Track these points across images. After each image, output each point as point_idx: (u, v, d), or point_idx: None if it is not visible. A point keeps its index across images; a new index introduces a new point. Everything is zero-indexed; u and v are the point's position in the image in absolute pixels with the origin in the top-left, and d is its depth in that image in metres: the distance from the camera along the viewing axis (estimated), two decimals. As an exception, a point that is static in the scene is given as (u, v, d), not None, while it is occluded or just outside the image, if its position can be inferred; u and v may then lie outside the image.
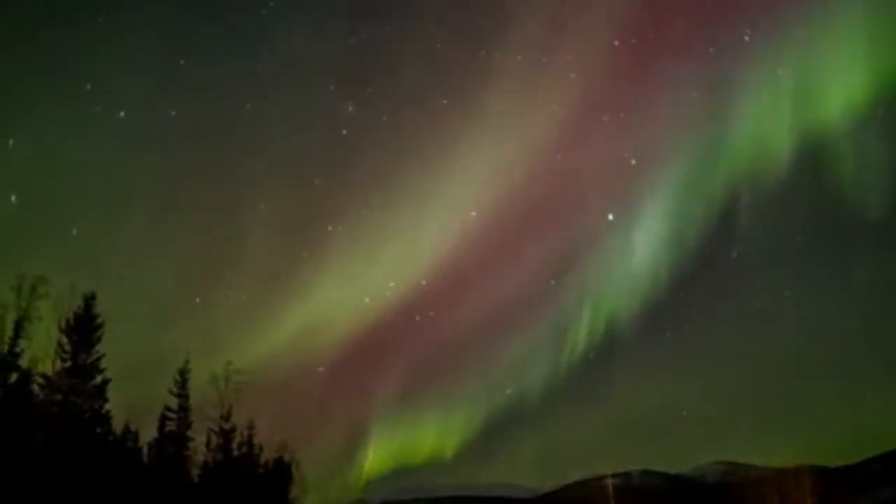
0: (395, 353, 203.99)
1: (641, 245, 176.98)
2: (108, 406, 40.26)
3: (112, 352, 40.33)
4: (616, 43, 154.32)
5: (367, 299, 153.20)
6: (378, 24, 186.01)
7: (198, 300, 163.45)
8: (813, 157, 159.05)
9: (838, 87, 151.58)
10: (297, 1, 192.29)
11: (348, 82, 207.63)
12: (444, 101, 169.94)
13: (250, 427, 53.86)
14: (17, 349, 35.97)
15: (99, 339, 39.32)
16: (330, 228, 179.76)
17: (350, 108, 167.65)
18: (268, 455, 56.40)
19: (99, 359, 39.07)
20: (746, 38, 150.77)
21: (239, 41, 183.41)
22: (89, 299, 39.57)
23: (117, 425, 43.81)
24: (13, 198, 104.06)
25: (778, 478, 77.30)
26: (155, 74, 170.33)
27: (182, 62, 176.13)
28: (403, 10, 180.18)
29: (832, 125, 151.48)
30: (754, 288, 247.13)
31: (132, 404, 46.75)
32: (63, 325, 38.01)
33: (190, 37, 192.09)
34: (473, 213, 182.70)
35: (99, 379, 39.07)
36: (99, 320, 39.60)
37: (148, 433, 46.92)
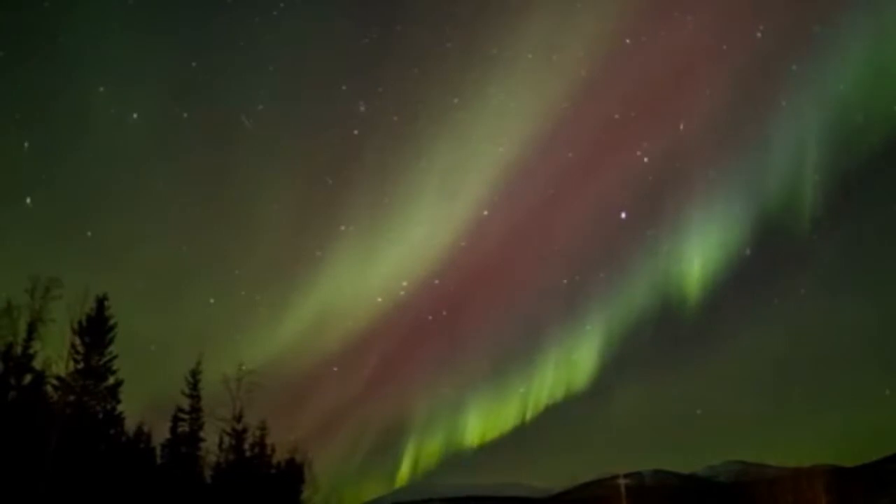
0: (408, 353, 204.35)
1: (653, 243, 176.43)
2: (120, 407, 40.64)
3: (125, 353, 40.56)
4: (627, 41, 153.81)
5: (379, 299, 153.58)
6: (388, 24, 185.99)
7: (212, 300, 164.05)
8: (826, 155, 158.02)
9: (848, 84, 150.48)
10: (307, 2, 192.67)
11: (359, 82, 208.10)
12: (455, 100, 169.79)
13: (262, 428, 54.00)
14: (31, 351, 36.19)
15: (112, 341, 39.50)
16: (342, 228, 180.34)
17: (361, 108, 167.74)
18: (280, 456, 56.53)
19: (111, 360, 39.25)
20: (759, 34, 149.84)
21: (250, 42, 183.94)
22: (102, 301, 39.76)
23: (130, 426, 44.24)
24: (28, 200, 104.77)
25: (792, 478, 76.51)
26: (167, 76, 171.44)
27: (194, 64, 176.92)
28: (414, 9, 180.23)
29: (850, 122, 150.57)
30: (769, 286, 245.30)
31: (145, 405, 47.01)
32: (76, 326, 38.16)
33: (201, 39, 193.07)
34: (485, 213, 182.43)
35: (112, 380, 39.26)
36: (111, 322, 39.79)
37: (160, 434, 47.23)
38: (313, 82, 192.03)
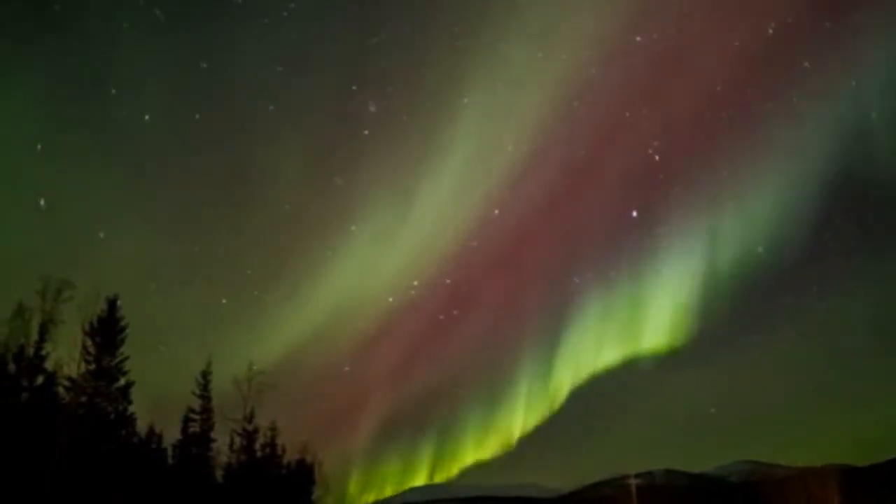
0: (419, 352, 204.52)
1: (665, 241, 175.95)
2: (132, 408, 40.75)
3: (136, 354, 40.74)
4: (637, 38, 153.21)
5: (390, 298, 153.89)
6: (397, 24, 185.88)
7: (224, 301, 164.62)
8: (839, 152, 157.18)
9: (861, 80, 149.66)
10: (316, 2, 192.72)
11: (369, 82, 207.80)
12: (465, 100, 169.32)
13: (273, 428, 54.24)
14: (43, 352, 36.42)
15: (123, 342, 39.64)
16: (353, 228, 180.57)
17: (371, 108, 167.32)
18: (291, 456, 56.78)
19: (123, 361, 39.39)
20: (771, 31, 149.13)
21: (260, 44, 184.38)
22: (113, 302, 39.96)
23: (141, 427, 44.44)
24: (41, 201, 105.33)
25: (803, 477, 76.39)
26: (178, 78, 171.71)
27: (204, 65, 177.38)
28: (423, 8, 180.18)
29: (863, 119, 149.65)
30: (780, 284, 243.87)
31: (156, 406, 47.18)
32: (87, 327, 38.36)
33: (211, 40, 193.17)
34: (496, 212, 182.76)
35: (123, 381, 39.39)
36: (122, 323, 39.94)
37: (172, 435, 47.47)
38: (323, 83, 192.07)
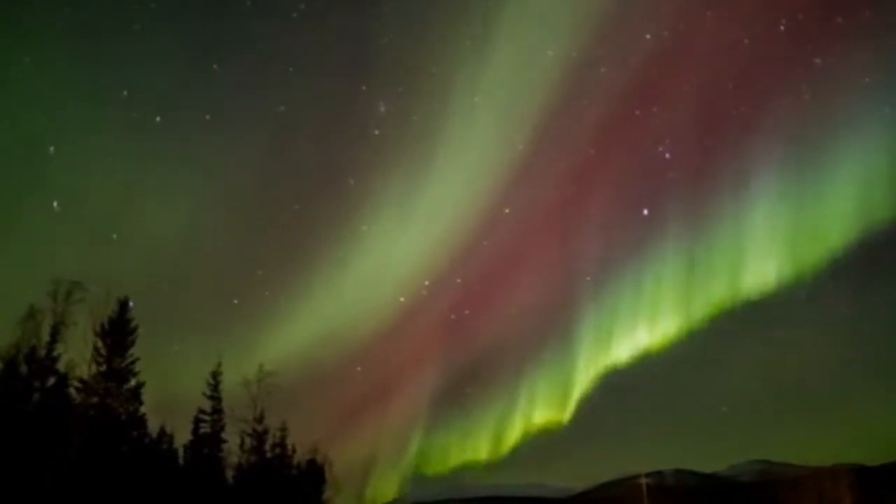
0: (431, 352, 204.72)
1: (675, 240, 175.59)
2: (143, 409, 40.93)
3: (147, 355, 40.89)
4: (647, 36, 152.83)
5: (402, 298, 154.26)
6: (407, 24, 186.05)
7: (235, 301, 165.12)
8: (851, 149, 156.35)
9: (873, 76, 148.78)
10: (326, 4, 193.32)
11: (379, 83, 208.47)
12: (475, 99, 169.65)
13: (283, 428, 54.39)
14: (54, 353, 36.53)
15: (134, 343, 39.78)
16: (364, 228, 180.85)
17: (381, 108, 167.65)
18: (301, 456, 56.89)
19: (134, 362, 39.54)
20: (782, 27, 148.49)
21: (270, 45, 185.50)
22: (124, 303, 40.09)
23: (153, 427, 44.55)
24: (55, 203, 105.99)
25: (815, 477, 75.85)
26: (189, 80, 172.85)
27: (215, 66, 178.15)
28: (432, 8, 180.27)
29: (876, 114, 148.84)
30: (794, 284, 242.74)
31: (167, 407, 47.34)
32: (98, 329, 38.50)
33: (222, 42, 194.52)
34: (507, 211, 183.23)
35: (134, 382, 39.54)
36: (133, 324, 40.08)
37: (183, 435, 47.57)
38: (333, 83, 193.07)
